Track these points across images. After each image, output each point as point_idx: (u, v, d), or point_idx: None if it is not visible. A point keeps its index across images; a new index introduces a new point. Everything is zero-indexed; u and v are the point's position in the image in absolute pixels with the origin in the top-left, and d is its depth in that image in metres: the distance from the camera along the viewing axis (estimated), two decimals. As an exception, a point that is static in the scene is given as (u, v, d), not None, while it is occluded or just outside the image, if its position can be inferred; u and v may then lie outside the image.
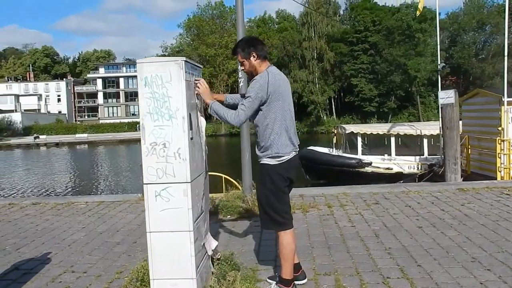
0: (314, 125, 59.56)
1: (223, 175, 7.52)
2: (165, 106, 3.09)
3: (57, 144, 50.59)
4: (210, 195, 7.14)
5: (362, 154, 16.02)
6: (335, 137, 17.63)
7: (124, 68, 77.54)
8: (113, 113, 76.08)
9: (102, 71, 78.05)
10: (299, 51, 60.00)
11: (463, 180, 9.95)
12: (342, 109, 62.40)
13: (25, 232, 5.47)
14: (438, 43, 13.27)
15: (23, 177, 24.78)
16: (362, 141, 16.30)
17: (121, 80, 76.20)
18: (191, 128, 3.19)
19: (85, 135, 57.33)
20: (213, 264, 3.69)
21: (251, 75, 3.36)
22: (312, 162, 16.64)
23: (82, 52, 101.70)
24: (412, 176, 14.04)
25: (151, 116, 3.11)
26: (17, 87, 75.07)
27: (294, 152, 3.37)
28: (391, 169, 15.17)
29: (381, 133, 15.81)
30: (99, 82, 76.70)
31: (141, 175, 3.27)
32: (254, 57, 3.31)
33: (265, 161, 3.30)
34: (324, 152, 16.98)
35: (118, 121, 68.56)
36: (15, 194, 18.20)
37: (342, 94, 62.77)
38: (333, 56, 58.66)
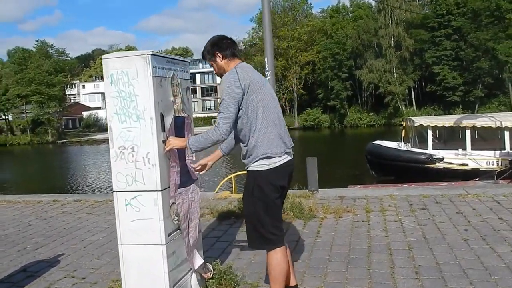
0: (392, 117, 56.76)
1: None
2: (132, 106, 2.78)
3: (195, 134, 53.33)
4: (238, 196, 6.81)
5: (433, 148, 14.74)
6: (403, 130, 16.45)
7: (200, 64, 79.54)
8: (196, 108, 78.93)
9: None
10: (375, 40, 57.45)
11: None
12: (423, 100, 58.84)
13: (52, 230, 5.52)
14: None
15: (94, 172, 26.29)
16: (433, 135, 15.00)
17: (197, 76, 78.40)
18: (163, 130, 2.85)
19: (164, 130, 59.79)
20: (204, 283, 3.34)
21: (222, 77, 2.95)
22: (378, 157, 15.69)
23: (161, 50, 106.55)
24: (490, 173, 12.66)
25: (118, 117, 2.82)
26: (103, 86, 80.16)
27: (286, 155, 2.88)
28: (466, 165, 13.80)
29: (454, 125, 14.40)
30: (178, 78, 79.55)
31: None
32: (219, 57, 2.93)
33: (253, 167, 2.84)
34: (391, 147, 15.90)
35: (194, 116, 70.61)
36: (70, 189, 19.20)
37: (423, 83, 59.17)
38: (412, 43, 55.39)
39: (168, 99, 2.95)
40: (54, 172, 26.66)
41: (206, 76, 77.30)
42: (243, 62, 2.96)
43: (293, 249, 4.27)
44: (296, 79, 60.80)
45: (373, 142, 16.59)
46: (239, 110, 2.76)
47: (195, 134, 3.12)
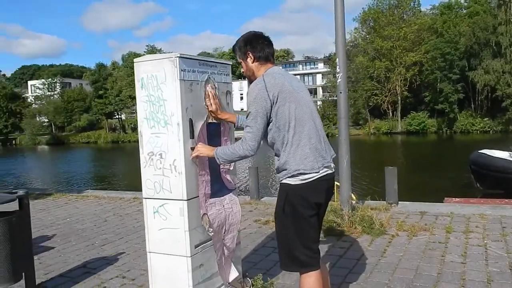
0: (511, 123, 51.24)
1: (336, 183, 6.66)
2: (160, 111, 2.70)
3: (236, 139, 55.01)
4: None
5: (554, 160, 12.82)
6: (516, 138, 14.57)
7: (301, 66, 79.55)
8: (290, 109, 79.08)
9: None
10: (493, 38, 52.31)
11: None
12: (551, 104, 52.08)
13: (123, 228, 5.75)
14: None
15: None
16: (554, 144, 13.07)
17: (298, 78, 78.60)
18: (192, 136, 2.71)
19: (263, 130, 60.96)
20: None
21: (249, 80, 2.67)
22: (484, 168, 14.07)
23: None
24: None
25: (147, 122, 2.75)
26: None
27: (326, 169, 2.55)
28: None
29: None
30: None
31: None
32: (251, 58, 2.64)
33: (285, 180, 2.55)
34: (500, 157, 14.15)
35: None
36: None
37: (551, 85, 52.41)
38: (538, 40, 49.42)
39: (200, 104, 2.81)
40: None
41: (306, 77, 76.97)
42: (275, 66, 2.68)
43: (351, 269, 3.91)
44: (401, 80, 57.69)
45: (479, 151, 14.94)
46: (268, 123, 2.51)
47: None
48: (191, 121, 2.70)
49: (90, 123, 74.86)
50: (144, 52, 68.18)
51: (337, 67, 5.27)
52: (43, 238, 5.37)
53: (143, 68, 2.73)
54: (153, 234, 2.83)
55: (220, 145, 3.01)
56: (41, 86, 77.45)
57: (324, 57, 76.95)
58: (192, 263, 2.71)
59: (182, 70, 2.64)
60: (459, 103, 55.15)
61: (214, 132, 2.96)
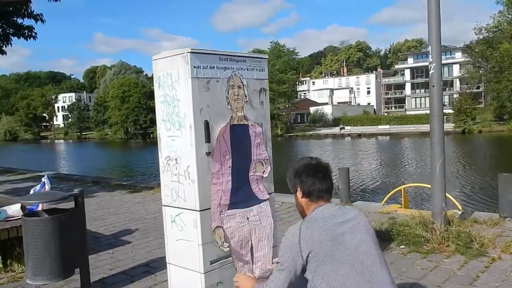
0: None
1: (428, 186, 5.77)
2: (175, 112, 2.49)
3: (359, 135, 53.05)
4: (406, 212, 5.69)
5: None
6: None
7: (430, 57, 73.73)
8: (420, 104, 73.52)
9: (410, 61, 76.61)
10: None
11: None
12: None
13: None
14: None
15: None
16: None
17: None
18: (208, 140, 2.43)
19: (387, 126, 57.83)
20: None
21: (301, 214, 2.20)
22: None
23: (393, 43, 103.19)
24: None
25: (164, 124, 2.57)
26: (332, 82, 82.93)
27: None
28: None
29: None
30: (407, 72, 75.57)
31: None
32: (299, 192, 2.14)
33: None
34: None
35: (424, 112, 66.14)
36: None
37: None
38: None
39: (220, 104, 2.51)
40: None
41: (442, 68, 71.17)
42: (328, 204, 2.10)
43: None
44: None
45: None
46: (302, 275, 2.01)
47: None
48: (206, 123, 2.42)
49: (218, 118, 78.92)
50: (268, 48, 69.26)
51: (429, 56, 4.52)
52: (125, 232, 5.60)
53: (159, 66, 2.54)
54: (171, 245, 2.63)
55: (250, 150, 2.67)
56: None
57: (464, 45, 69.88)
58: (206, 280, 2.44)
59: (195, 67, 2.37)
60: None
61: (241, 135, 2.62)
